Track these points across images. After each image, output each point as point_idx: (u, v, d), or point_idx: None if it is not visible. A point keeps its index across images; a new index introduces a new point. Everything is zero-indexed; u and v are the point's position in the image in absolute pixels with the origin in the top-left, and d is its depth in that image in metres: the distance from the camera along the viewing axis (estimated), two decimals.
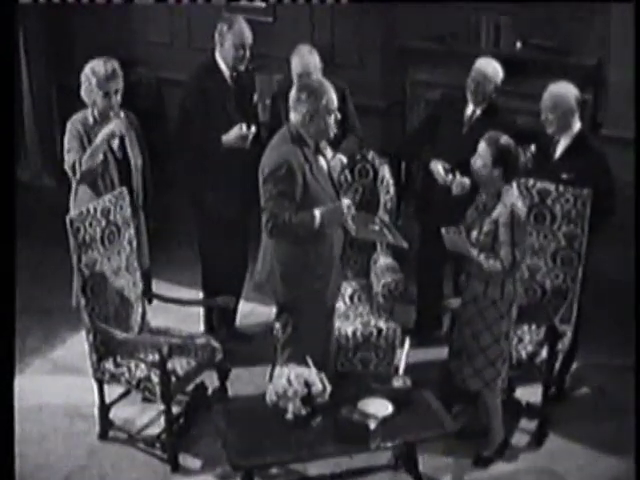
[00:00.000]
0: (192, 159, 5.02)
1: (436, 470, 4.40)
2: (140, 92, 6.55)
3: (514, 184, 4.18)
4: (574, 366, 4.98)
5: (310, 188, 4.02)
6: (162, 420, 4.51)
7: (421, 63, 6.03)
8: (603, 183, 4.54)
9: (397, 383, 4.15)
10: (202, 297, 5.29)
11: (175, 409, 4.52)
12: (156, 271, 5.20)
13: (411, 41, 6.02)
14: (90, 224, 4.39)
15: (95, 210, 4.42)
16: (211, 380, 4.71)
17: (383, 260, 4.98)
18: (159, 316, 4.98)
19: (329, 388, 3.96)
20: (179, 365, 4.44)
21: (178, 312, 5.15)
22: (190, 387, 4.66)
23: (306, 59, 4.84)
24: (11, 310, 3.50)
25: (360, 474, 4.32)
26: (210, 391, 4.76)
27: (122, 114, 4.69)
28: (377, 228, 4.41)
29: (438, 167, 4.87)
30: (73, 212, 4.48)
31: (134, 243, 4.69)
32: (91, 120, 4.63)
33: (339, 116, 4.10)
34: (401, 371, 4.20)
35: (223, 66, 4.91)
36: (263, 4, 6.36)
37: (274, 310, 4.41)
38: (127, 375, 4.43)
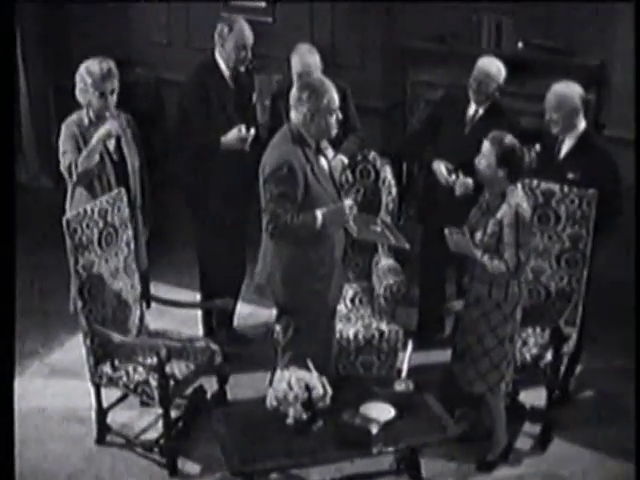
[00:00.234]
0: (191, 159, 5.00)
1: (439, 475, 4.37)
2: (139, 92, 6.54)
3: (519, 184, 4.15)
4: (578, 369, 4.95)
5: (311, 188, 3.99)
6: (160, 424, 4.48)
7: (422, 63, 6.01)
8: (609, 183, 4.51)
9: (399, 387, 4.14)
10: (200, 299, 5.27)
11: (174, 413, 4.50)
12: (155, 273, 5.18)
13: (412, 41, 6.00)
14: (87, 225, 4.36)
15: (92, 211, 4.39)
16: (210, 384, 4.69)
17: (385, 262, 4.96)
18: (157, 319, 4.96)
19: (330, 392, 3.93)
20: (178, 368, 4.41)
21: (177, 314, 5.14)
22: (189, 391, 4.63)
23: (306, 58, 4.83)
24: (11, 312, 3.46)
25: (362, 479, 4.28)
26: (209, 395, 4.74)
27: (120, 115, 4.64)
28: (379, 229, 4.40)
29: (441, 167, 4.85)
30: (70, 213, 4.43)
31: (132, 245, 4.65)
32: (86, 121, 4.59)
33: (340, 116, 4.07)
34: (404, 374, 4.18)
35: (223, 66, 4.90)
36: (263, 4, 6.34)
37: (274, 312, 4.38)
38: (125, 379, 4.40)
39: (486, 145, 4.11)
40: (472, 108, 4.90)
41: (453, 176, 4.78)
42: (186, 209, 5.18)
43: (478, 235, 4.15)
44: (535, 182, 4.58)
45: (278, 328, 4.32)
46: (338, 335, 4.54)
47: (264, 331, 5.18)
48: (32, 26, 6.86)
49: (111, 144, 4.62)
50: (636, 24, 4.94)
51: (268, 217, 3.97)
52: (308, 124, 3.97)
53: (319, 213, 3.97)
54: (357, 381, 4.64)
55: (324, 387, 3.91)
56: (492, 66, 4.82)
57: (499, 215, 4.08)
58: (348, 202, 4.07)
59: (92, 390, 4.51)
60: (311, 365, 3.96)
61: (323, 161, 4.14)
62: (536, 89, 5.08)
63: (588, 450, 4.53)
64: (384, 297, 4.75)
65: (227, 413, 4.19)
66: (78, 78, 4.55)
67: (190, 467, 4.45)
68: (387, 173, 5.08)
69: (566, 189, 4.54)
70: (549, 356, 4.44)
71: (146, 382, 4.34)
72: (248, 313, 5.52)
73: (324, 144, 4.30)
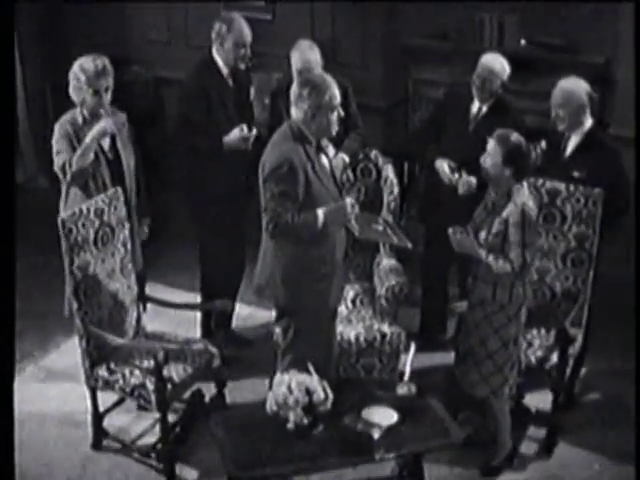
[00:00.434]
0: (191, 158, 4.97)
1: None
2: (137, 91, 6.55)
3: (525, 183, 4.11)
4: (582, 371, 4.91)
5: (312, 187, 3.94)
6: (158, 429, 4.45)
7: (424, 62, 6.00)
8: (615, 181, 4.48)
9: (402, 390, 4.12)
10: (200, 300, 5.24)
11: (171, 417, 4.47)
12: (152, 274, 5.16)
13: (413, 39, 5.99)
14: (83, 225, 4.32)
15: (88, 210, 4.35)
16: (208, 387, 4.66)
17: (386, 262, 4.93)
18: (154, 320, 4.92)
19: (331, 396, 3.88)
20: (175, 372, 4.37)
21: (174, 316, 5.12)
22: (187, 394, 4.60)
23: (306, 55, 4.81)
24: (11, 314, 3.41)
25: None
26: (207, 399, 4.70)
27: (115, 113, 4.58)
28: (380, 228, 4.37)
29: (443, 166, 4.83)
30: (65, 213, 4.38)
31: (129, 245, 4.60)
32: (80, 120, 4.53)
33: (342, 113, 4.03)
34: (406, 377, 4.16)
35: (221, 64, 4.88)
36: (262, 2, 6.31)
37: (273, 314, 4.34)
38: (121, 382, 4.35)
39: (491, 143, 4.07)
40: (476, 106, 4.87)
41: (456, 175, 4.76)
42: (185, 208, 5.15)
43: (483, 235, 4.11)
44: (540, 181, 4.55)
45: (278, 330, 4.27)
46: (339, 337, 4.51)
47: (263, 333, 5.15)
48: (29, 25, 6.85)
49: (106, 143, 4.57)
50: (636, 24, 4.91)
51: (268, 216, 3.92)
52: (309, 121, 3.92)
53: (320, 212, 3.93)
54: (358, 384, 4.61)
55: (325, 391, 3.86)
56: (496, 62, 4.79)
57: (505, 214, 4.04)
58: (349, 201, 4.03)
59: (88, 394, 4.46)
60: (311, 368, 3.91)
61: (324, 159, 4.10)
62: (539, 87, 5.08)
63: (594, 454, 4.50)
64: (386, 298, 4.72)
65: (226, 417, 4.14)
66: (72, 76, 4.49)
67: (188, 473, 4.41)
68: (389, 172, 5.05)
69: (572, 188, 4.51)
70: (554, 358, 4.40)
71: (143, 385, 4.29)
72: (247, 314, 5.50)
73: (325, 142, 4.26)
